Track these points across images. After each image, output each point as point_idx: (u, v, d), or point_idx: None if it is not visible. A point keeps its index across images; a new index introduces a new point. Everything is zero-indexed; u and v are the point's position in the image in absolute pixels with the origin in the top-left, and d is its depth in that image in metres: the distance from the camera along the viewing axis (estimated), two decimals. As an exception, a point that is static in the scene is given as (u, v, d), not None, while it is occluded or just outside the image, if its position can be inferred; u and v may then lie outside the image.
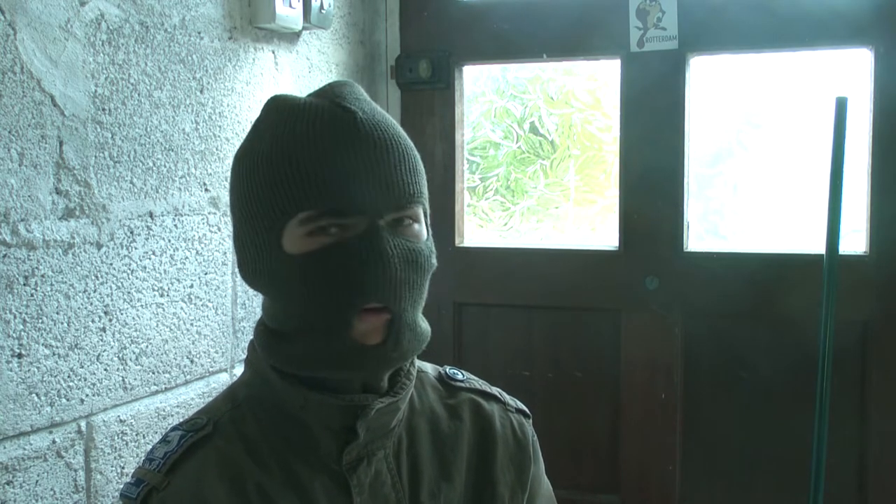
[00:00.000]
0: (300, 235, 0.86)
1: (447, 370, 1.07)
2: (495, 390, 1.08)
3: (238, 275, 1.84)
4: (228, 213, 1.81)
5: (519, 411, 1.08)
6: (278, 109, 0.91)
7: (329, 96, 0.90)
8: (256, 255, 0.90)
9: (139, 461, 0.91)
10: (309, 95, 0.93)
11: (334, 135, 0.86)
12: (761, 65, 2.20)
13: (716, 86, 2.22)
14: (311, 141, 0.86)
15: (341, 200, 0.85)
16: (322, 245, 0.86)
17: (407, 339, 0.89)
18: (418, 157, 0.92)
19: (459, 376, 1.07)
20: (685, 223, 2.17)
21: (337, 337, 0.87)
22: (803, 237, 2.15)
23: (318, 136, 0.86)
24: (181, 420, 0.96)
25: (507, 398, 1.09)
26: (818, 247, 1.90)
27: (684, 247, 2.18)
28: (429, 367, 1.06)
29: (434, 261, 0.92)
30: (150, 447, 0.95)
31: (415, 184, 0.89)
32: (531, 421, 1.09)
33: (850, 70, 2.08)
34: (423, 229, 0.92)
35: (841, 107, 1.80)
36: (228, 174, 1.80)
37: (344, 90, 0.91)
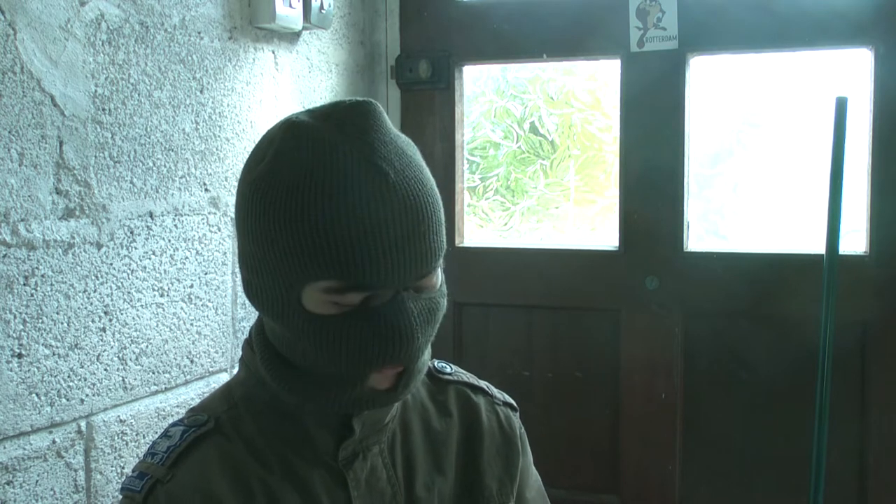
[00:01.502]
0: (321, 301, 0.84)
1: (436, 364, 1.07)
2: (483, 383, 1.10)
3: (238, 275, 1.84)
4: (228, 213, 1.81)
5: (506, 404, 1.09)
6: (298, 141, 0.84)
7: (353, 136, 0.83)
8: (271, 298, 0.87)
9: (139, 458, 0.92)
10: (326, 117, 0.86)
11: (366, 202, 0.80)
12: (761, 65, 2.20)
13: (716, 86, 2.22)
14: (340, 204, 0.80)
15: (370, 276, 0.81)
16: (344, 311, 0.84)
17: (413, 380, 0.90)
18: (441, 205, 0.88)
19: (448, 369, 1.08)
20: (685, 223, 2.17)
21: (351, 387, 0.87)
22: (803, 237, 2.15)
23: (347, 199, 0.80)
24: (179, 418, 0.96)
25: (495, 391, 1.10)
26: (818, 247, 1.90)
27: (684, 247, 2.18)
28: None
29: (445, 302, 0.91)
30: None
31: (441, 246, 0.86)
32: (518, 414, 1.10)
33: (850, 70, 2.08)
34: (440, 272, 0.90)
35: (841, 107, 1.80)
36: (229, 174, 1.81)
37: (368, 127, 0.84)
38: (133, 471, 0.90)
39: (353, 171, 0.81)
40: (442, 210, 0.88)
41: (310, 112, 0.89)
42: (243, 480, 0.89)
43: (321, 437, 0.92)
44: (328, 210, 0.80)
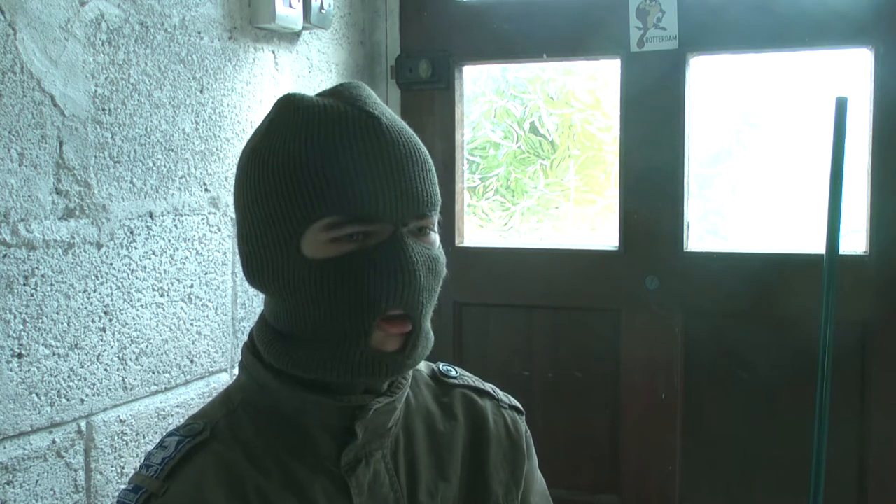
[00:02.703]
0: (322, 241, 0.85)
1: (440, 367, 1.07)
2: (489, 386, 1.08)
3: (238, 275, 1.84)
4: (228, 213, 1.81)
5: (512, 408, 1.08)
6: (295, 109, 0.89)
7: (347, 99, 0.88)
8: (271, 258, 0.88)
9: (139, 463, 0.91)
10: (320, 95, 0.92)
11: (360, 140, 0.85)
12: (761, 65, 2.20)
13: (716, 86, 2.22)
14: (337, 145, 0.85)
15: (367, 207, 0.84)
16: (345, 252, 0.85)
17: (421, 346, 0.90)
18: (431, 162, 0.91)
19: (453, 373, 1.07)
20: (685, 223, 2.17)
21: (355, 344, 0.86)
22: (803, 237, 2.15)
23: (343, 140, 0.85)
24: (178, 423, 0.95)
25: (501, 394, 1.09)
26: (818, 247, 1.90)
27: (684, 247, 2.18)
28: (422, 365, 1.06)
29: (445, 268, 0.92)
30: (147, 450, 0.94)
31: (434, 192, 0.89)
32: (525, 417, 1.09)
33: (850, 70, 2.08)
34: (437, 237, 0.92)
35: (841, 107, 1.80)
36: (229, 174, 1.80)
37: (361, 93, 0.89)
38: (128, 483, 0.89)
39: (346, 118, 0.86)
40: (433, 165, 0.91)
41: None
42: (240, 490, 0.87)
43: (323, 442, 0.91)
44: (321, 152, 0.85)
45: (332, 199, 0.84)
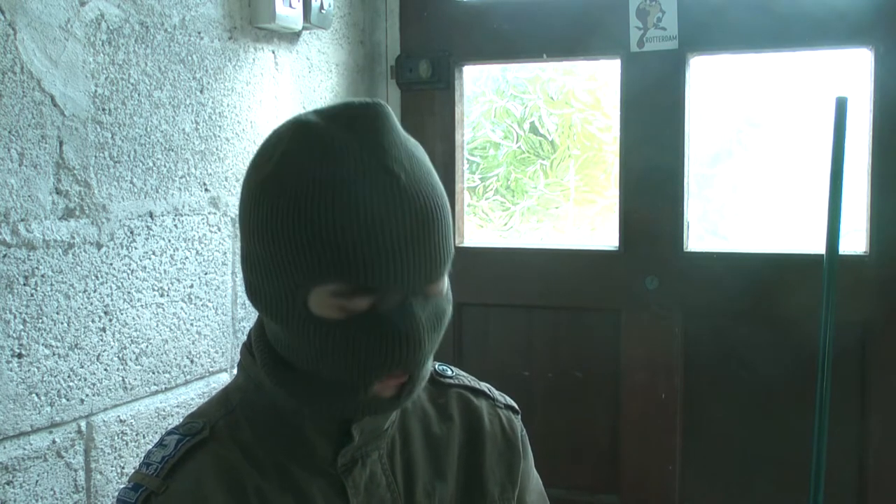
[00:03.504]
0: (329, 304, 0.82)
1: (436, 367, 1.06)
2: (484, 386, 1.08)
3: (238, 275, 1.84)
4: (228, 213, 1.81)
5: (508, 407, 1.08)
6: (310, 146, 0.83)
7: (363, 140, 0.82)
8: (276, 300, 0.85)
9: (139, 463, 0.90)
10: (334, 118, 0.84)
11: (376, 205, 0.79)
12: (761, 65, 2.20)
13: (716, 86, 2.22)
14: (350, 208, 0.79)
15: (379, 278, 0.80)
16: (351, 315, 0.82)
17: (418, 388, 0.89)
18: (450, 211, 0.86)
19: (449, 372, 1.07)
20: (685, 223, 2.17)
21: (353, 393, 0.86)
22: (803, 237, 2.15)
23: (357, 203, 0.79)
24: (177, 423, 0.95)
25: (496, 394, 1.09)
26: (818, 247, 1.90)
27: (684, 247, 2.18)
28: None
29: (451, 308, 0.90)
30: (147, 449, 0.94)
31: (449, 250, 0.85)
32: (520, 416, 1.09)
33: (850, 70, 2.08)
34: (446, 280, 0.88)
35: (841, 107, 1.80)
36: (229, 174, 1.81)
37: (380, 132, 0.83)
38: (128, 481, 0.89)
39: (362, 172, 0.80)
40: (451, 215, 0.86)
41: (318, 112, 0.87)
42: (239, 490, 0.87)
43: (319, 444, 0.91)
44: (337, 212, 0.79)
45: (341, 264, 0.79)
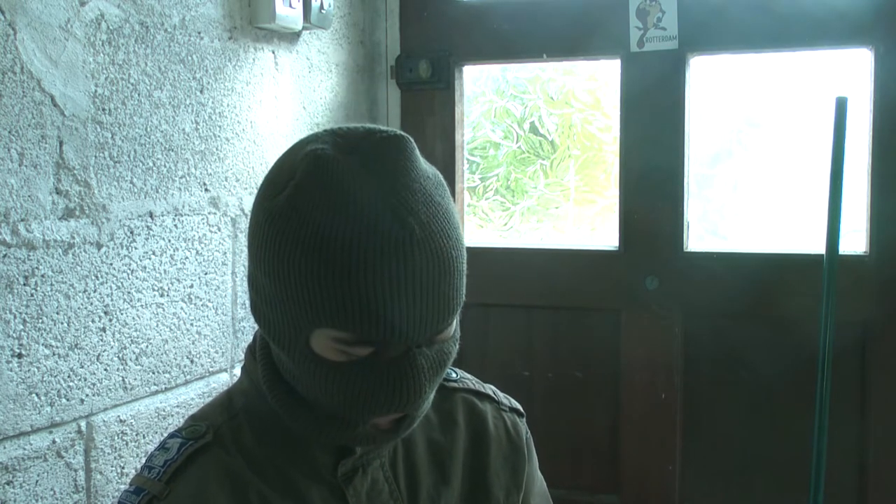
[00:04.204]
0: (330, 347, 0.82)
1: None
2: (489, 389, 1.08)
3: (238, 275, 1.84)
4: (228, 213, 1.81)
5: (513, 410, 1.08)
6: (323, 185, 0.79)
7: (382, 186, 0.79)
8: (279, 329, 0.84)
9: (139, 463, 0.90)
10: (355, 154, 0.81)
11: (386, 263, 0.77)
12: (761, 65, 2.20)
13: (716, 86, 2.22)
14: (360, 265, 0.77)
15: (383, 332, 0.79)
16: (353, 360, 0.82)
17: (417, 421, 0.89)
18: (465, 256, 0.85)
19: (453, 375, 1.07)
20: (685, 223, 2.17)
21: (353, 426, 0.87)
22: (803, 237, 2.15)
23: (367, 260, 0.76)
24: (178, 423, 0.95)
25: (501, 397, 1.08)
26: (818, 247, 1.90)
27: (684, 247, 2.18)
28: None
29: (457, 346, 0.90)
30: (148, 451, 0.94)
31: (460, 301, 0.84)
32: (525, 419, 1.09)
33: (850, 70, 2.08)
34: (455, 323, 0.88)
35: (841, 107, 1.80)
36: (229, 174, 1.81)
37: (399, 173, 0.80)
38: (129, 485, 0.88)
39: (374, 227, 0.77)
40: (465, 261, 0.85)
41: (336, 137, 0.84)
42: (242, 495, 0.87)
43: (321, 452, 0.91)
44: (346, 263, 0.77)
45: (346, 315, 0.78)
